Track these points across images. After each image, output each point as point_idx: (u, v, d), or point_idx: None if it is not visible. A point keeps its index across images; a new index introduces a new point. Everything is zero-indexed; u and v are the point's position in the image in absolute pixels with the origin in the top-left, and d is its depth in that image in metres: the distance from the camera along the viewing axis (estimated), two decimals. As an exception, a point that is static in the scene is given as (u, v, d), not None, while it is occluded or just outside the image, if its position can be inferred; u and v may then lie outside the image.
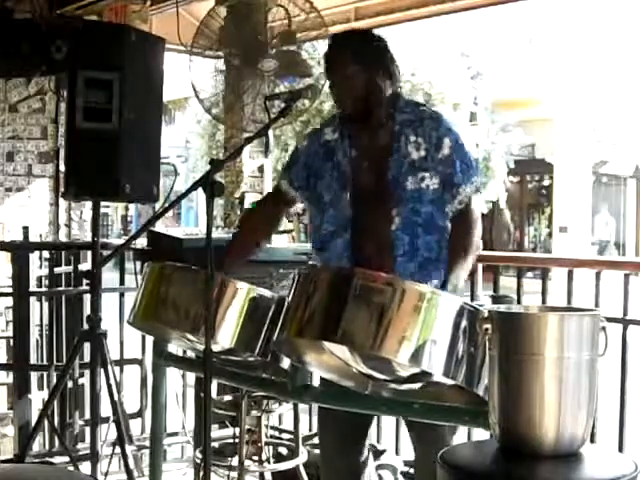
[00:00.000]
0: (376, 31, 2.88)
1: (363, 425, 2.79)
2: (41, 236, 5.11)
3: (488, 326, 1.85)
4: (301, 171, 2.82)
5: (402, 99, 2.76)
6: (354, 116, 2.70)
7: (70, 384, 4.11)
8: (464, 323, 1.96)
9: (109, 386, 3.31)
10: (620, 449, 3.25)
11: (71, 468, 3.56)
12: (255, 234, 2.93)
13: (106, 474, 3.38)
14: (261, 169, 4.84)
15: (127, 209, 23.19)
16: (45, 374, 4.25)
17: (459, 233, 2.66)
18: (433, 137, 2.64)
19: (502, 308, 1.97)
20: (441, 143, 2.64)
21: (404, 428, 3.80)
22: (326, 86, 2.87)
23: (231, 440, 3.52)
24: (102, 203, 3.54)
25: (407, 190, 2.63)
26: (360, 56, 2.67)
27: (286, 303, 2.20)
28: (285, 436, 4.08)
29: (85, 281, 4.16)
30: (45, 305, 4.32)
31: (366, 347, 2.04)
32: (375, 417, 2.91)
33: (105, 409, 3.36)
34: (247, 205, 4.53)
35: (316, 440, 3.95)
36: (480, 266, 3.84)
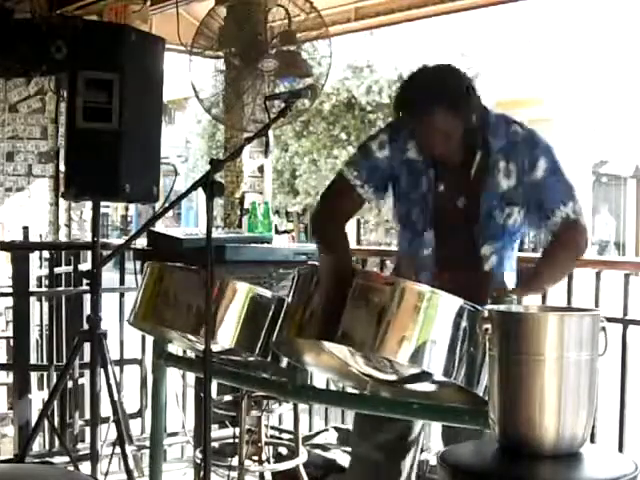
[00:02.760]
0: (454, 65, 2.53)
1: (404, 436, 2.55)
2: (41, 236, 5.11)
3: (488, 326, 1.85)
4: (380, 176, 2.53)
5: (491, 118, 2.47)
6: (453, 163, 2.44)
7: (70, 384, 4.11)
8: (464, 323, 1.97)
9: (109, 386, 3.30)
10: (620, 449, 3.25)
11: (71, 468, 3.56)
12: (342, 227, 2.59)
13: (106, 474, 3.38)
14: (261, 169, 4.84)
15: (127, 209, 23.18)
16: (45, 374, 4.25)
17: (559, 244, 2.42)
18: (526, 161, 2.40)
19: (502, 308, 1.97)
20: (534, 167, 2.39)
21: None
22: (326, 86, 2.84)
23: (231, 440, 3.52)
24: (102, 203, 3.54)
25: (499, 225, 2.43)
26: (454, 106, 2.35)
27: (286, 303, 2.20)
28: (285, 436, 4.08)
29: (85, 281, 4.16)
30: (45, 305, 4.32)
31: (366, 347, 2.05)
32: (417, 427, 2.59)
33: (105, 409, 3.36)
34: (247, 205, 4.53)
35: (316, 440, 3.96)
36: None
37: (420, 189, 2.49)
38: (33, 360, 4.19)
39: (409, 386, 2.26)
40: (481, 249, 2.45)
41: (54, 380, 3.96)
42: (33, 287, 4.22)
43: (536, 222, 2.47)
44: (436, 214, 2.48)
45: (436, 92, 2.35)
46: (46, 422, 3.66)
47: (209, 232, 2.21)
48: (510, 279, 2.51)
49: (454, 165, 2.45)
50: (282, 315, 2.20)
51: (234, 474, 3.28)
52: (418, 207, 2.50)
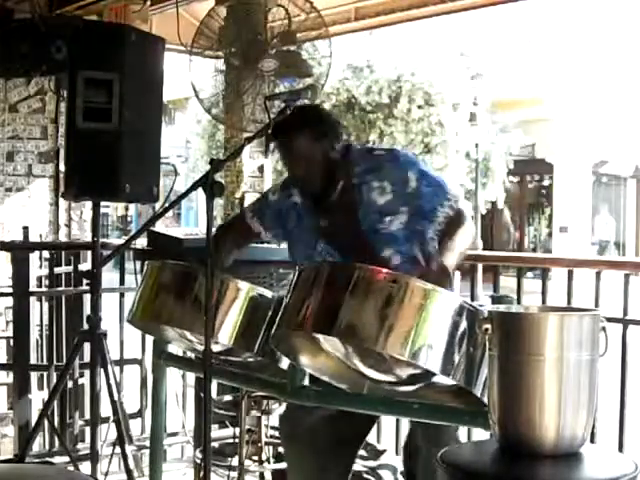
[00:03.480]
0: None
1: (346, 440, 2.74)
2: (41, 236, 5.11)
3: (488, 326, 1.85)
4: (273, 220, 2.89)
5: (354, 150, 2.78)
6: (313, 187, 2.75)
7: (70, 384, 4.11)
8: (464, 323, 1.97)
9: (109, 386, 3.30)
10: (620, 449, 3.25)
11: (71, 468, 3.56)
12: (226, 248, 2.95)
13: (106, 474, 3.38)
14: (261, 169, 4.84)
15: (127, 209, 23.18)
16: (45, 374, 4.25)
17: (446, 233, 2.66)
18: (397, 176, 2.67)
19: (502, 308, 1.97)
20: (406, 178, 2.67)
21: (404, 428, 3.81)
22: (326, 86, 2.88)
23: (231, 440, 3.52)
24: (102, 203, 3.54)
25: (385, 234, 2.67)
26: (309, 137, 2.68)
27: (286, 298, 2.20)
28: (285, 436, 4.07)
29: (85, 281, 4.16)
30: (45, 305, 4.32)
31: (365, 342, 2.05)
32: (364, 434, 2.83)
33: (105, 409, 3.36)
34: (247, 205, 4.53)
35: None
36: (480, 266, 3.84)
37: (305, 225, 2.78)
38: (33, 360, 4.19)
39: (406, 387, 2.26)
40: (381, 254, 2.66)
41: (54, 380, 3.97)
42: (33, 287, 4.22)
43: (423, 224, 2.69)
44: (328, 242, 2.73)
45: (297, 122, 2.67)
46: (46, 422, 3.66)
47: (209, 232, 2.21)
48: None
49: (328, 197, 2.73)
50: (281, 309, 2.20)
51: (234, 474, 3.28)
52: (309, 239, 2.76)
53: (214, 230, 2.63)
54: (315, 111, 2.86)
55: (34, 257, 4.29)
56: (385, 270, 2.05)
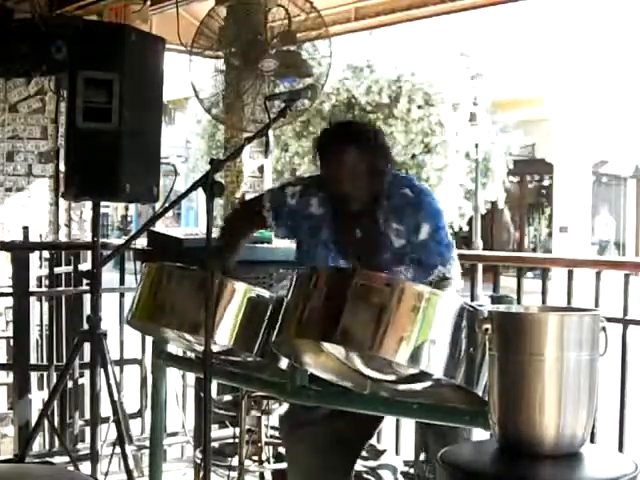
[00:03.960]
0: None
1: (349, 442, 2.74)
2: (41, 236, 5.11)
3: (488, 326, 1.85)
4: (287, 223, 2.88)
5: (389, 178, 2.76)
6: (354, 205, 2.75)
7: (70, 384, 4.11)
8: (464, 323, 1.97)
9: (109, 386, 3.30)
10: (620, 449, 3.25)
11: (71, 468, 3.56)
12: (242, 232, 3.02)
13: (106, 474, 3.38)
14: (261, 169, 4.84)
15: (127, 209, 23.18)
16: (45, 374, 4.25)
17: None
18: (411, 225, 2.70)
19: (502, 308, 1.97)
20: (419, 230, 2.70)
21: (404, 428, 3.81)
22: (326, 86, 2.88)
23: (231, 440, 3.52)
24: (102, 203, 3.54)
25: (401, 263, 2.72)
26: (370, 150, 2.69)
27: (285, 303, 2.20)
28: (285, 436, 4.07)
29: (85, 281, 4.16)
30: (45, 305, 4.32)
31: (365, 348, 2.05)
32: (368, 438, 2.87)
33: (105, 409, 3.36)
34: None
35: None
36: (480, 266, 3.84)
37: (321, 237, 2.79)
38: (33, 360, 4.19)
39: (408, 386, 2.26)
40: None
41: (54, 380, 3.97)
42: (33, 287, 4.22)
43: (419, 278, 2.68)
44: (343, 257, 2.77)
45: (350, 133, 2.73)
46: (46, 422, 3.66)
47: (209, 232, 2.21)
48: None
49: (351, 217, 2.75)
50: (281, 315, 2.20)
51: (234, 474, 3.28)
52: (322, 251, 2.78)
53: (227, 213, 2.62)
54: (376, 132, 2.82)
55: (34, 257, 4.29)
56: (383, 275, 2.05)
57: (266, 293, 2.53)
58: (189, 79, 4.27)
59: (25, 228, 4.08)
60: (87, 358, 3.67)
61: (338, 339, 2.05)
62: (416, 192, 2.76)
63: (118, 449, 3.29)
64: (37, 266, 4.48)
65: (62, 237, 5.33)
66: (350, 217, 2.77)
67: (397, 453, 3.85)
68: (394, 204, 2.72)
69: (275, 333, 2.22)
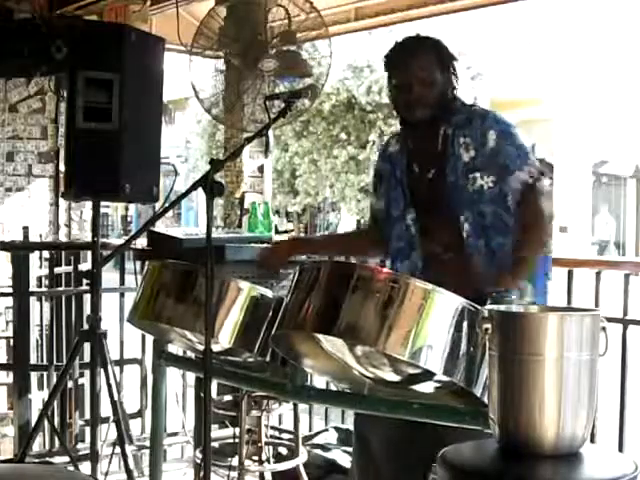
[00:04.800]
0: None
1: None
2: (41, 236, 5.11)
3: (488, 326, 1.85)
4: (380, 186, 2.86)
5: (459, 101, 2.74)
6: (417, 116, 2.68)
7: (70, 384, 4.11)
8: (464, 322, 1.97)
9: (109, 386, 3.30)
10: (620, 449, 3.25)
11: (71, 468, 3.56)
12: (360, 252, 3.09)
13: (106, 474, 3.38)
14: (261, 169, 4.84)
15: (127, 209, 23.18)
16: (45, 374, 4.25)
17: (521, 228, 2.59)
18: (478, 134, 2.62)
19: (502, 308, 1.97)
20: (486, 137, 2.61)
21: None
22: (326, 86, 2.87)
23: (231, 440, 3.52)
24: (102, 203, 3.54)
25: (468, 193, 2.60)
26: (438, 61, 2.66)
27: (286, 297, 2.20)
28: (285, 436, 4.08)
29: (85, 281, 4.16)
30: (45, 305, 4.32)
31: (365, 342, 2.05)
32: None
33: (105, 409, 3.36)
34: (247, 205, 4.53)
35: (316, 440, 3.96)
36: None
37: (398, 173, 2.77)
38: (33, 360, 4.19)
39: (408, 386, 2.26)
40: (458, 219, 2.61)
41: (54, 380, 3.97)
42: (33, 287, 4.23)
43: (504, 187, 2.60)
44: (414, 194, 2.72)
45: (424, 42, 2.70)
46: (46, 422, 3.66)
47: (209, 232, 2.21)
48: (504, 250, 2.60)
49: (424, 142, 2.70)
50: (282, 309, 2.20)
51: (234, 474, 3.28)
52: (399, 188, 2.75)
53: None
54: (444, 45, 2.75)
55: (34, 257, 4.29)
56: (385, 270, 2.05)
57: (269, 293, 2.53)
58: (189, 79, 4.27)
59: (25, 228, 4.08)
60: (87, 358, 3.67)
61: (337, 332, 2.05)
62: (481, 107, 2.74)
63: (118, 449, 3.29)
64: (37, 266, 4.49)
65: (62, 237, 5.33)
66: (422, 141, 2.72)
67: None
68: (462, 118, 2.66)
69: (275, 326, 2.22)
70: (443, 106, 2.67)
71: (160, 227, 4.15)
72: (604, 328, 1.86)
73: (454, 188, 2.62)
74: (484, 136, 2.61)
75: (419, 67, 2.64)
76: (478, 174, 2.60)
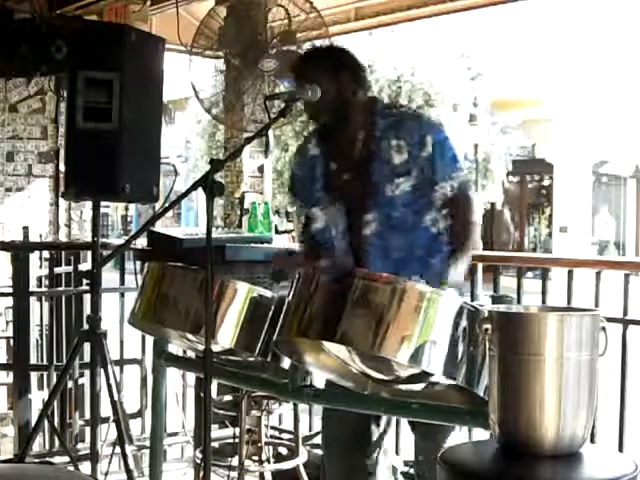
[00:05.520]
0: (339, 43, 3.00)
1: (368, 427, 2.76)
2: (41, 236, 5.11)
3: (488, 326, 1.85)
4: (300, 187, 2.88)
5: (380, 103, 2.79)
6: (330, 128, 2.73)
7: (70, 384, 4.11)
8: (464, 323, 1.97)
9: (109, 386, 3.30)
10: (620, 449, 3.25)
11: (71, 468, 3.56)
12: None
13: (106, 474, 3.38)
14: (261, 169, 4.84)
15: (127, 209, 23.17)
16: (45, 374, 4.25)
17: (454, 226, 2.69)
18: (415, 136, 2.64)
19: (502, 308, 1.97)
20: (424, 142, 2.64)
21: (404, 428, 3.81)
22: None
23: (231, 440, 3.52)
24: (102, 203, 3.54)
25: (386, 196, 2.65)
26: (327, 70, 2.68)
27: (286, 302, 2.20)
28: (285, 436, 4.08)
29: (85, 281, 4.16)
30: (45, 305, 4.32)
31: (366, 347, 2.04)
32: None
33: (105, 409, 3.36)
34: (247, 205, 4.53)
35: (316, 440, 3.96)
36: (480, 266, 3.84)
37: (318, 174, 2.77)
38: (33, 360, 4.19)
39: (409, 386, 2.26)
40: (368, 217, 2.66)
41: (54, 380, 3.97)
42: (33, 287, 4.22)
43: (426, 194, 2.66)
44: (336, 193, 2.73)
45: (312, 62, 2.75)
46: (46, 422, 3.66)
47: (209, 232, 2.21)
48: (400, 248, 2.67)
49: (344, 144, 2.72)
50: (283, 314, 2.20)
51: (234, 474, 3.28)
52: (321, 190, 2.76)
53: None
54: (341, 51, 2.81)
55: (34, 257, 4.29)
56: (385, 274, 2.05)
57: (268, 293, 2.53)
58: (189, 79, 4.27)
59: (25, 228, 4.08)
60: (87, 358, 3.67)
61: (339, 338, 2.05)
62: (413, 109, 2.81)
63: (118, 449, 3.29)
64: (37, 266, 4.48)
65: (62, 237, 5.33)
66: (341, 144, 2.74)
67: (397, 453, 3.85)
68: (390, 121, 2.68)
69: (277, 332, 2.22)
70: (352, 111, 2.69)
71: (160, 227, 4.15)
72: (604, 328, 1.86)
73: (374, 189, 2.66)
74: (422, 140, 2.64)
75: (309, 79, 2.64)
76: (403, 178, 2.64)
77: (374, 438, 2.76)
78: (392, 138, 2.65)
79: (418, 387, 2.24)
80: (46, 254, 4.46)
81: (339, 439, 2.75)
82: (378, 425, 2.77)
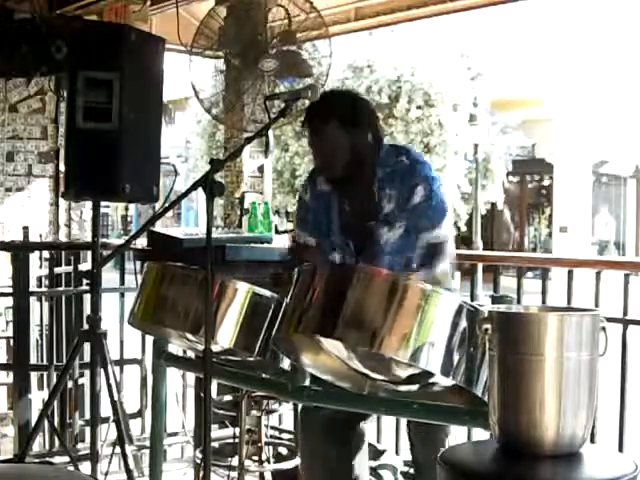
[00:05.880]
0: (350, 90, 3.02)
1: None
2: (41, 236, 5.11)
3: (488, 326, 1.85)
4: (311, 220, 2.92)
5: (382, 150, 2.81)
6: (338, 177, 2.78)
7: (70, 384, 4.11)
8: (464, 323, 1.97)
9: (109, 386, 3.30)
10: (620, 449, 3.25)
11: (71, 468, 3.56)
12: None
13: (106, 474, 3.38)
14: (261, 169, 4.83)
15: (127, 209, 23.17)
16: (45, 374, 4.25)
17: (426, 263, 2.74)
18: (405, 189, 2.72)
19: (502, 308, 1.97)
20: (413, 193, 2.71)
21: (404, 428, 3.81)
22: (326, 86, 2.88)
23: (231, 440, 3.52)
24: (102, 203, 3.54)
25: (379, 242, 2.73)
26: (345, 121, 2.72)
27: (286, 300, 2.20)
28: (285, 436, 4.08)
29: (85, 281, 4.16)
30: (45, 305, 4.32)
31: (365, 344, 2.05)
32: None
33: (105, 409, 3.36)
34: (247, 205, 4.53)
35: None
36: (480, 266, 3.84)
37: (332, 212, 2.84)
38: (33, 360, 4.19)
39: (408, 386, 2.26)
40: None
41: (54, 380, 3.97)
42: (33, 287, 4.22)
43: (411, 243, 2.72)
44: (349, 232, 2.81)
45: (332, 107, 2.76)
46: (46, 422, 3.66)
47: (209, 232, 2.21)
48: None
49: (351, 189, 2.79)
50: (282, 311, 2.20)
51: (234, 474, 3.28)
52: (336, 225, 2.83)
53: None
54: (348, 98, 2.86)
55: (34, 257, 4.29)
56: (385, 271, 2.05)
57: (267, 293, 2.53)
58: (189, 79, 4.27)
59: (25, 228, 4.08)
60: (87, 358, 3.67)
61: (338, 335, 2.05)
62: (412, 159, 2.80)
63: (118, 449, 3.29)
64: (37, 266, 4.48)
65: (62, 237, 5.33)
66: (349, 187, 2.81)
67: (397, 453, 3.85)
68: (389, 172, 2.75)
69: (275, 329, 2.22)
70: (363, 163, 2.75)
71: (160, 227, 4.15)
72: (604, 328, 1.86)
73: (373, 236, 2.74)
74: (411, 191, 2.71)
75: (327, 136, 2.73)
76: (388, 227, 2.72)
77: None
78: (387, 187, 2.74)
79: (417, 387, 2.24)
80: (46, 254, 4.46)
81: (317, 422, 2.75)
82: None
